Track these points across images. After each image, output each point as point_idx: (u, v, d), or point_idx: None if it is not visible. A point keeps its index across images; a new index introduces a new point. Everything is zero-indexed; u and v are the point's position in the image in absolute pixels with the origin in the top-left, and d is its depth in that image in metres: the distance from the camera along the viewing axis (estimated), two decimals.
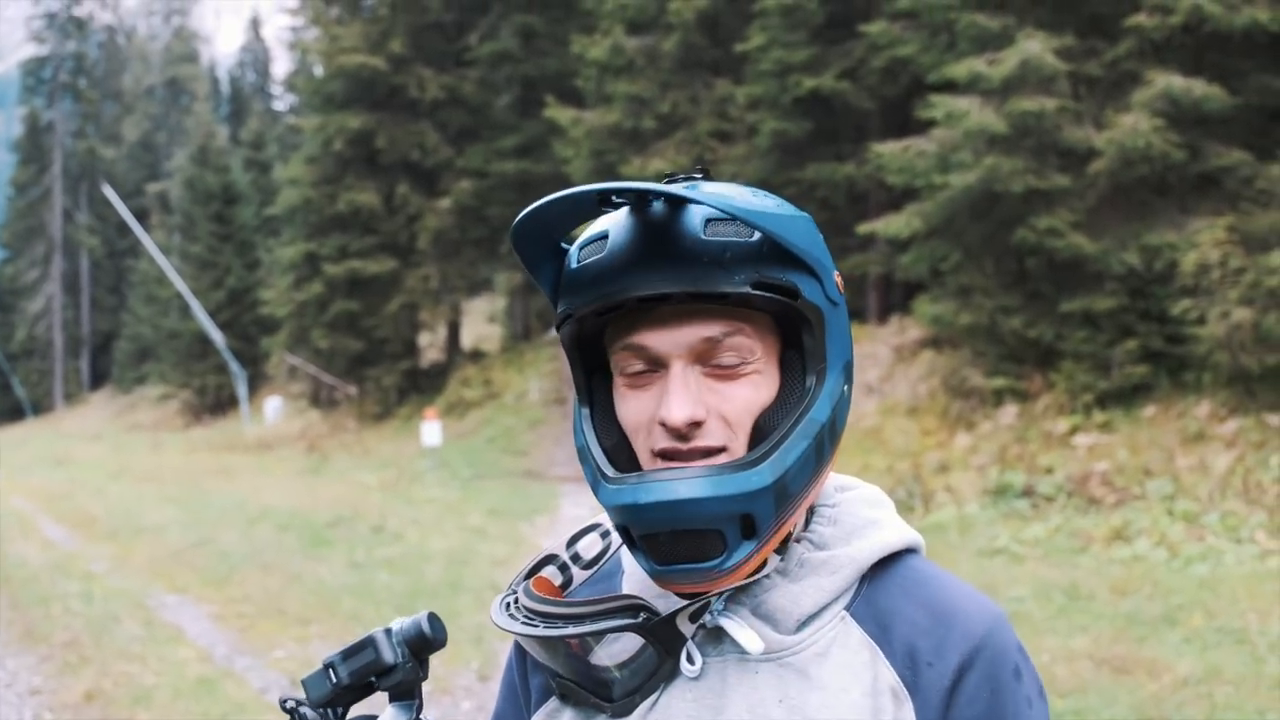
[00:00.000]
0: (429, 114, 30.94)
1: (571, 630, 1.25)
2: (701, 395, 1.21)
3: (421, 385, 31.29)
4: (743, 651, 1.28)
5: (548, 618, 1.28)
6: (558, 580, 1.44)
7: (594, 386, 1.33)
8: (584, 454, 1.30)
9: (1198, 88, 13.60)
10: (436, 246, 30.10)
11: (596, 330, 1.29)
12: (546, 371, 27.55)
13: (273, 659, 8.71)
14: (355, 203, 30.31)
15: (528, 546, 13.02)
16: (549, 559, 1.46)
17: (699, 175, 1.26)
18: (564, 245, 1.30)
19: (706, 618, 1.29)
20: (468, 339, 34.39)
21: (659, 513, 1.18)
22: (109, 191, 53.32)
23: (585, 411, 1.32)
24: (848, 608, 1.31)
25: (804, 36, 19.74)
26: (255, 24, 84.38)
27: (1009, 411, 14.70)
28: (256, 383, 43.32)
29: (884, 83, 19.45)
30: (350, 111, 30.43)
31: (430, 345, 34.69)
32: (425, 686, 1.46)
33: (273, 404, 37.61)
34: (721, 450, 1.22)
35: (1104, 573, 9.33)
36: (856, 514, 1.37)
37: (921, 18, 17.05)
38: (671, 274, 1.19)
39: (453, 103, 30.84)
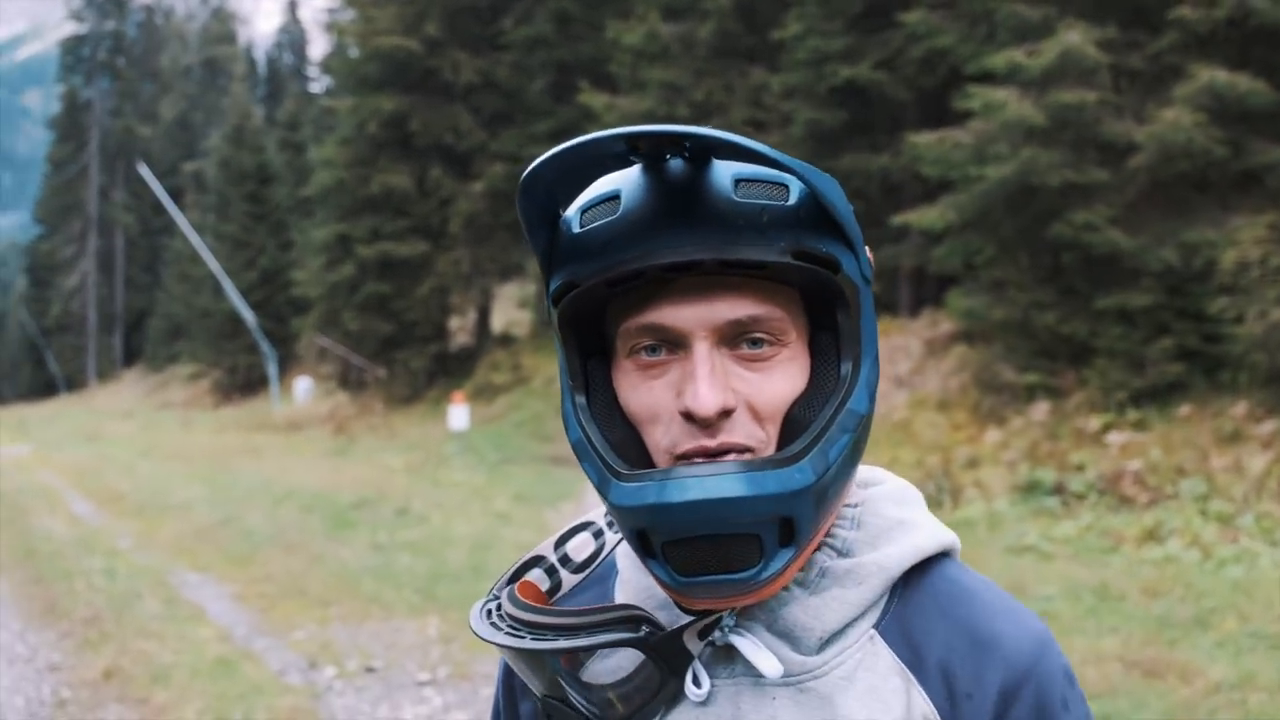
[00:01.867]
0: (463, 97, 30.90)
1: (563, 643, 1.11)
2: (730, 381, 1.07)
3: (450, 369, 31.27)
4: (757, 674, 1.14)
5: (536, 628, 1.14)
6: (544, 585, 1.29)
7: (589, 371, 1.16)
8: (583, 449, 1.12)
9: (1242, 83, 13.40)
10: (468, 230, 30.07)
11: (597, 306, 1.13)
12: None
13: (292, 640, 8.67)
14: (388, 185, 30.31)
15: (551, 533, 12.91)
16: (535, 561, 1.31)
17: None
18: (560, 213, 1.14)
19: (716, 634, 1.15)
20: (498, 323, 34.34)
21: (691, 514, 1.03)
22: (144, 170, 53.50)
23: (581, 401, 1.14)
24: (876, 625, 1.17)
25: (841, 25, 19.59)
26: (292, 5, 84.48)
27: (1041, 408, 14.54)
28: (287, 363, 43.48)
29: (921, 73, 19.27)
30: (384, 94, 30.42)
31: (460, 329, 34.69)
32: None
33: (302, 384, 37.73)
34: (749, 450, 1.07)
35: (1135, 573, 9.18)
36: (884, 514, 1.21)
37: (960, 7, 16.89)
38: (701, 238, 1.04)
39: (487, 86, 30.77)
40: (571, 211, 1.11)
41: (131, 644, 8.70)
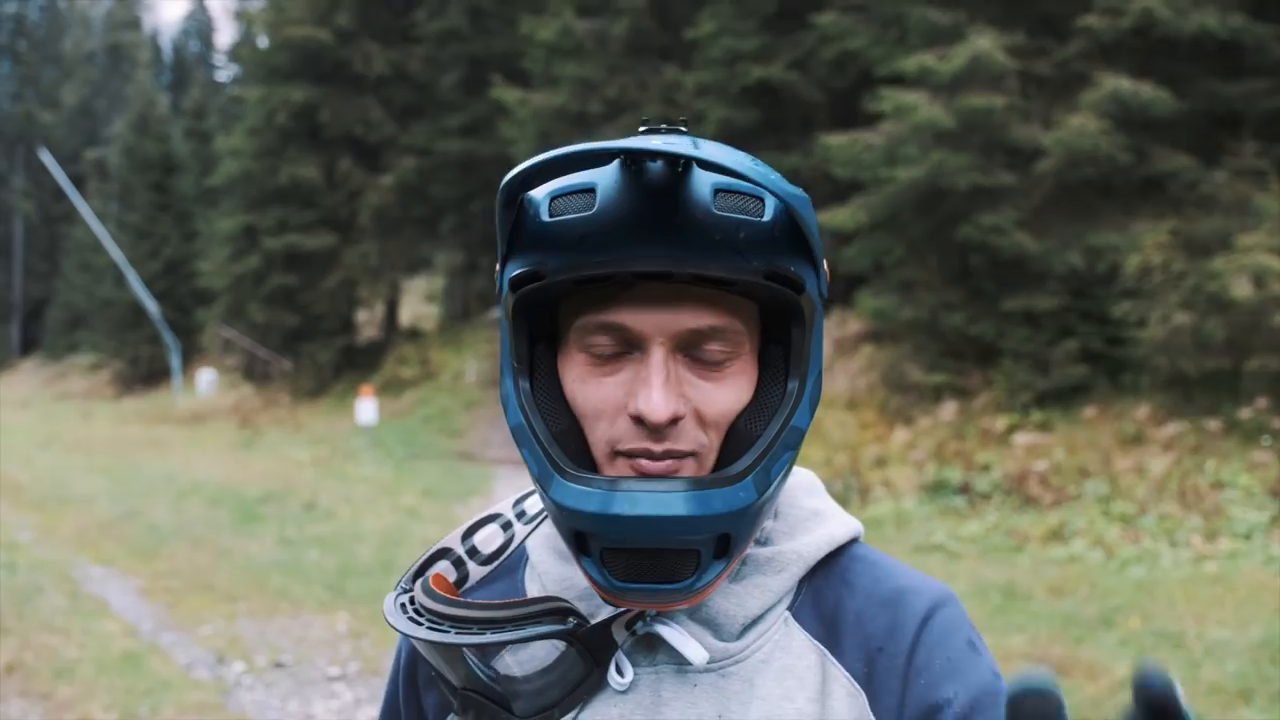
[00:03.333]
0: (374, 89, 30.67)
1: (491, 637, 1.10)
2: (682, 389, 1.06)
3: (357, 362, 31.01)
4: (680, 662, 1.15)
5: (459, 622, 1.12)
6: (452, 576, 1.27)
7: (535, 357, 1.13)
8: (524, 436, 1.09)
9: (1145, 91, 13.68)
10: (377, 224, 29.86)
11: (554, 295, 1.10)
12: (484, 353, 27.40)
13: (200, 635, 8.58)
14: (296, 176, 30.02)
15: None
16: (442, 553, 1.29)
17: (683, 128, 1.09)
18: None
19: (639, 624, 1.15)
20: (405, 318, 34.16)
21: (637, 528, 1.02)
22: (46, 156, 52.44)
23: (525, 386, 1.11)
24: (790, 608, 1.19)
25: (754, 25, 19.71)
26: None
27: (948, 408, 14.74)
28: (190, 355, 42.83)
29: (833, 74, 19.44)
30: (294, 84, 30.13)
31: (367, 323, 34.45)
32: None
33: (206, 376, 37.19)
34: (692, 455, 1.07)
35: (1041, 572, 9.34)
36: (799, 504, 1.25)
37: (872, 10, 17.07)
38: (677, 249, 1.02)
39: (398, 79, 30.58)
40: (539, 194, 1.08)
41: (34, 638, 8.54)
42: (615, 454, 1.07)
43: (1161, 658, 7.01)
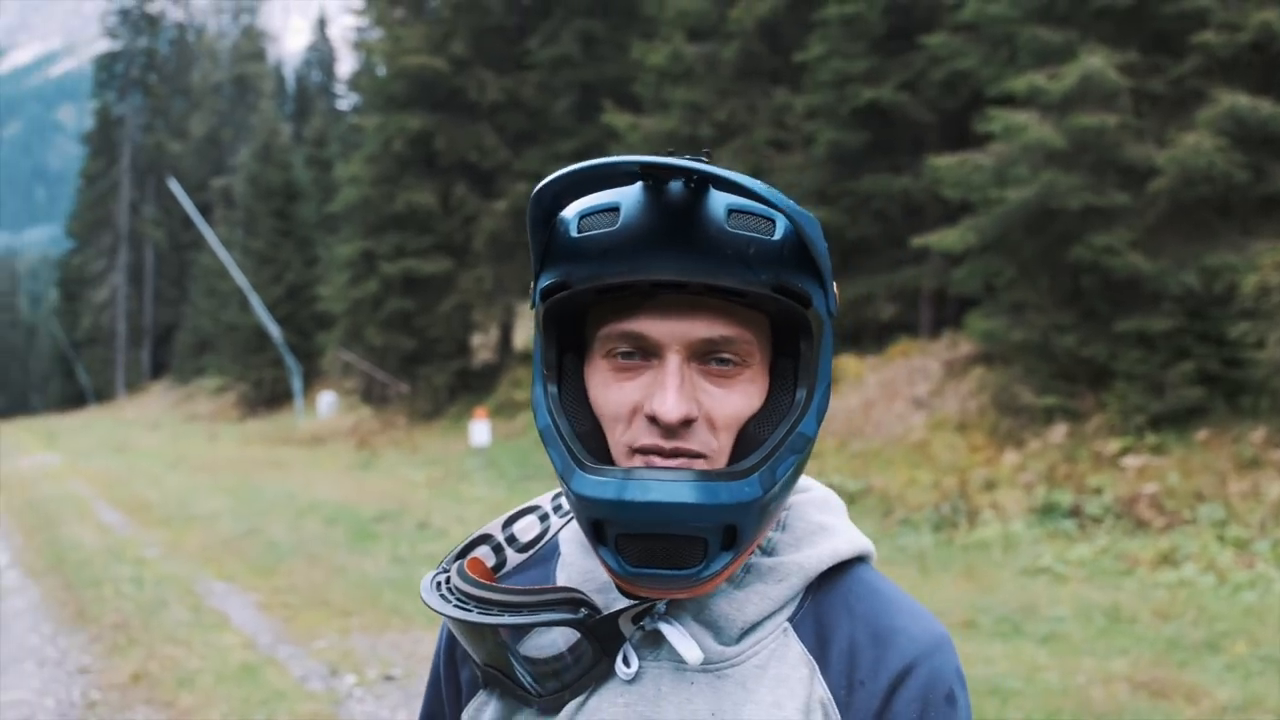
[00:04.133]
0: (488, 116, 31.04)
1: (507, 619, 1.20)
2: (695, 394, 1.16)
3: (472, 385, 31.35)
4: (679, 660, 1.23)
5: (482, 603, 1.23)
6: (490, 561, 1.38)
7: (564, 364, 1.25)
8: (551, 436, 1.21)
9: (1264, 107, 13.39)
10: (491, 248, 30.17)
11: (581, 307, 1.22)
12: None
13: (314, 649, 8.80)
14: (413, 202, 30.45)
15: None
16: (483, 539, 1.40)
17: (705, 156, 1.17)
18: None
19: (647, 620, 1.24)
20: (519, 341, 34.43)
21: (648, 513, 1.12)
22: (175, 185, 54.00)
23: (553, 390, 1.23)
24: (791, 619, 1.27)
25: (864, 47, 19.65)
26: (322, 24, 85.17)
27: (1059, 430, 14.52)
28: (311, 378, 43.67)
29: (943, 95, 19.32)
30: (411, 112, 30.59)
31: (482, 346, 34.78)
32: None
33: (326, 399, 37.90)
34: (702, 457, 1.16)
35: (1148, 596, 9.19)
36: (807, 519, 1.32)
37: (982, 30, 16.92)
38: (691, 262, 1.12)
39: (512, 105, 30.92)
40: (569, 214, 1.19)
41: (159, 649, 8.87)
42: (632, 452, 1.17)
43: (1267, 683, 6.88)
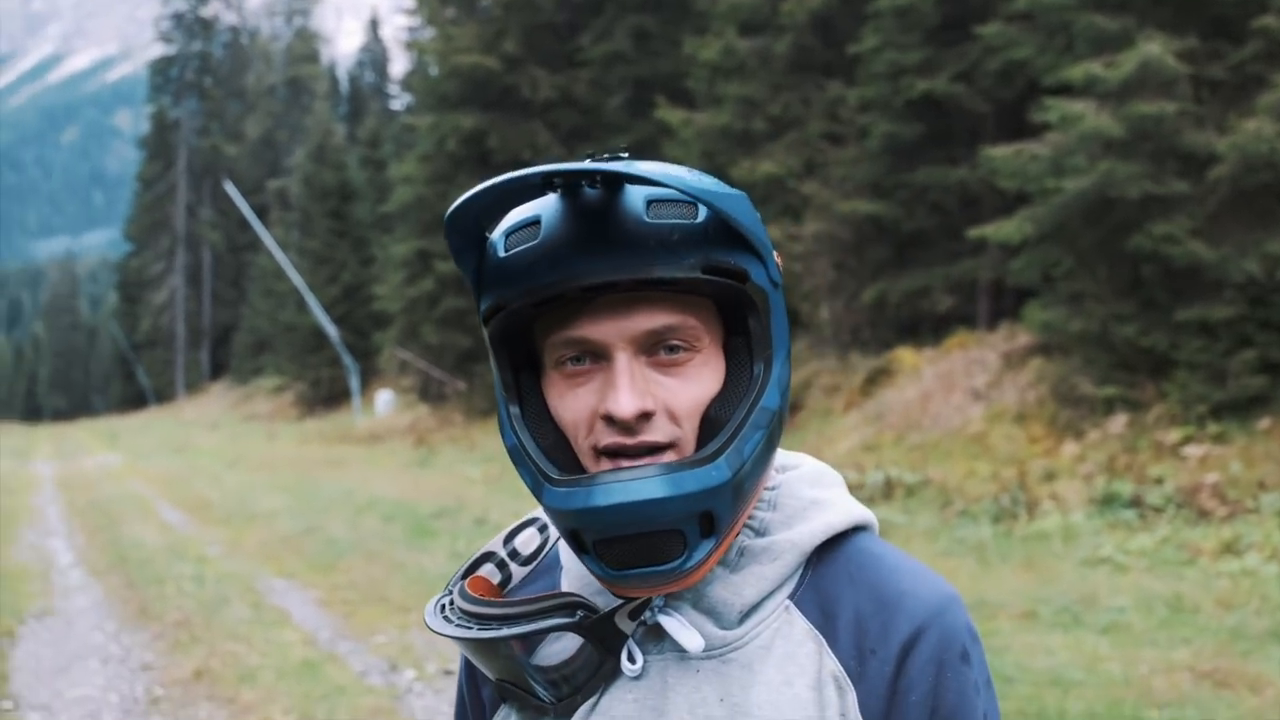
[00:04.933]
0: (541, 114, 31.12)
1: (506, 631, 1.20)
2: (649, 387, 1.16)
3: None
4: (682, 649, 1.23)
5: (482, 619, 1.24)
6: (496, 578, 1.39)
7: (521, 383, 1.25)
8: (518, 455, 1.21)
9: None
10: None
11: (525, 323, 1.22)
12: None
13: (374, 644, 8.87)
14: None
15: None
16: (486, 557, 1.41)
17: (624, 155, 1.16)
18: (486, 235, 1.22)
19: (646, 615, 1.23)
20: None
21: (617, 516, 1.12)
22: (230, 188, 54.48)
23: (515, 410, 1.23)
24: (791, 596, 1.26)
25: (917, 38, 19.53)
26: (374, 24, 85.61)
27: (1119, 420, 14.38)
28: (368, 376, 43.94)
29: (998, 85, 19.16)
30: (463, 111, 30.72)
31: None
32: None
33: (383, 397, 38.14)
34: (669, 447, 1.16)
35: (1210, 586, 9.09)
36: (798, 495, 1.30)
37: (1038, 19, 16.76)
38: (616, 260, 1.12)
39: (565, 103, 30.99)
40: (496, 235, 1.20)
41: (220, 646, 8.98)
42: (598, 455, 1.17)
43: None
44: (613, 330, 1.16)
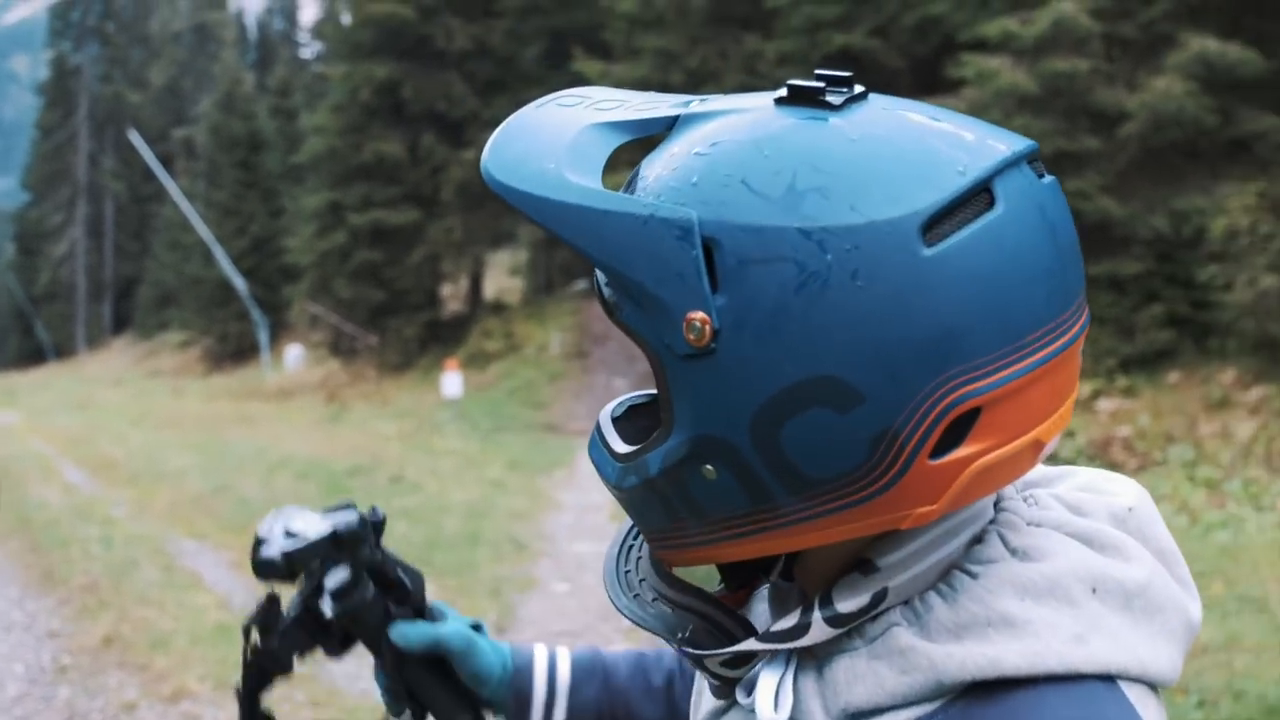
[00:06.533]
0: (456, 64, 30.79)
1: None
2: None
3: (442, 336, 31.27)
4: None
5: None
6: None
7: None
8: None
9: (1232, 52, 13.44)
10: (460, 198, 30.00)
11: None
12: (568, 325, 27.53)
13: None
14: (380, 152, 30.24)
15: (546, 500, 13.02)
16: None
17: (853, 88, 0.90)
18: None
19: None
20: (490, 291, 34.36)
21: None
22: (134, 136, 53.31)
23: None
24: None
25: None
26: None
27: None
28: (278, 331, 43.41)
29: (914, 41, 19.28)
30: (377, 60, 30.32)
31: (452, 297, 34.67)
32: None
33: (293, 352, 37.71)
34: None
35: None
36: (993, 598, 0.87)
37: None
38: None
39: (480, 53, 30.68)
40: None
41: (130, 611, 8.76)
42: None
43: (1244, 622, 6.99)
44: None
